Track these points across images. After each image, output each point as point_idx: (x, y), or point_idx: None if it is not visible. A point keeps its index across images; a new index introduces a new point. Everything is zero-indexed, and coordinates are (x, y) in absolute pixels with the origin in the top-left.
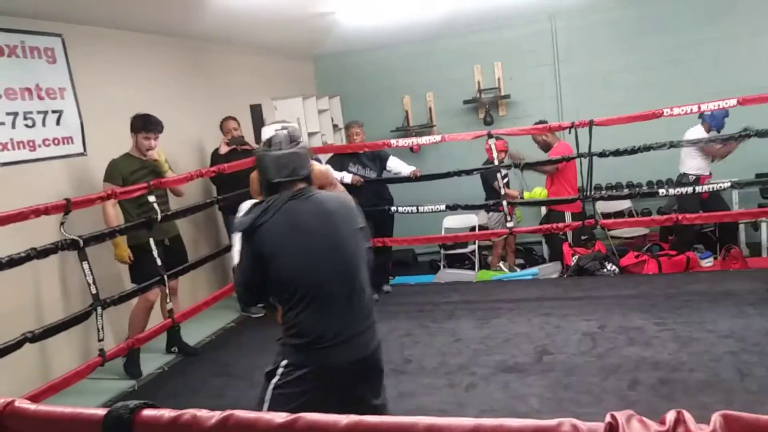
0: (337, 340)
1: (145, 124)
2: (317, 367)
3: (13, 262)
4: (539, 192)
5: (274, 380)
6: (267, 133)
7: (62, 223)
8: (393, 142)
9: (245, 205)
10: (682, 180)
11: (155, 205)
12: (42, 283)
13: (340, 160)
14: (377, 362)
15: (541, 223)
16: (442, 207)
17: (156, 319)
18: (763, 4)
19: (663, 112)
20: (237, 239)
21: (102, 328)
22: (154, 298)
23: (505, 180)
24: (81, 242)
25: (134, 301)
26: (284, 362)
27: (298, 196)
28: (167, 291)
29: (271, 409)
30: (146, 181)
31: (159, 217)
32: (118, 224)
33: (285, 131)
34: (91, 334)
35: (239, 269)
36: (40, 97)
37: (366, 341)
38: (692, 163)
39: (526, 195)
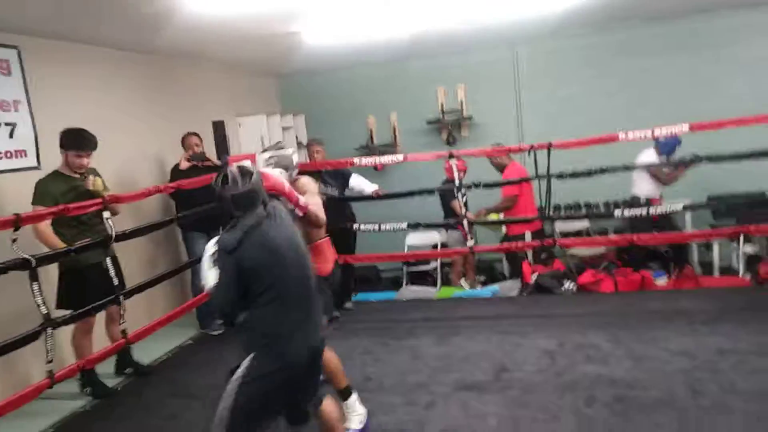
0: (298, 333)
1: (77, 142)
2: (284, 364)
3: None
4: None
5: (240, 372)
6: (260, 161)
7: (14, 240)
8: (356, 160)
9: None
10: (634, 202)
11: (109, 222)
12: None
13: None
14: (319, 357)
15: (501, 242)
16: (404, 225)
17: (100, 342)
18: (721, 35)
19: (619, 137)
20: (212, 261)
21: (51, 350)
22: (94, 321)
23: (464, 200)
24: (33, 262)
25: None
26: (250, 357)
27: (263, 221)
28: (117, 313)
29: (237, 401)
30: (80, 202)
31: (114, 235)
32: (60, 245)
33: (235, 168)
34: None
35: (222, 287)
36: None
37: (318, 334)
38: (643, 185)
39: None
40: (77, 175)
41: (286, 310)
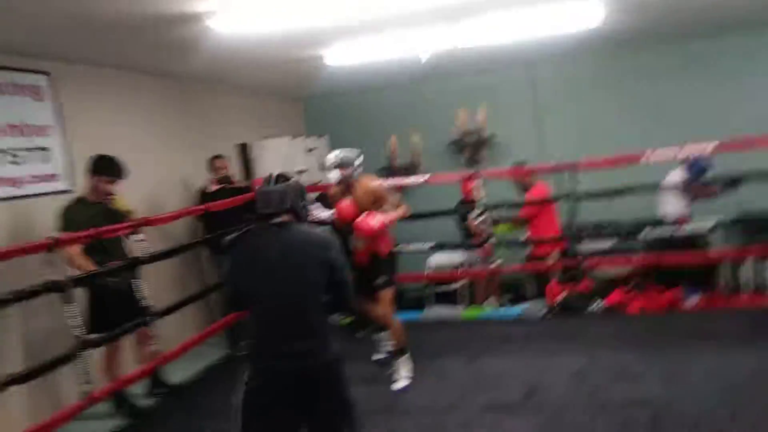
0: (278, 353)
1: (110, 169)
2: (265, 378)
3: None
4: (500, 229)
5: (243, 388)
6: (329, 158)
7: (48, 263)
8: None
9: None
10: (662, 221)
11: (142, 244)
12: (27, 324)
13: (325, 198)
14: (326, 378)
15: (527, 261)
16: (428, 246)
17: (129, 364)
18: (739, 57)
19: (643, 156)
20: None
21: (87, 371)
22: (121, 344)
23: (483, 219)
24: (68, 284)
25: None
26: (246, 372)
27: (271, 228)
28: (146, 334)
29: (242, 414)
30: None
31: (147, 257)
32: (93, 268)
33: (276, 172)
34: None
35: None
36: (27, 135)
37: (308, 357)
38: (671, 205)
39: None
40: (102, 202)
41: (263, 324)
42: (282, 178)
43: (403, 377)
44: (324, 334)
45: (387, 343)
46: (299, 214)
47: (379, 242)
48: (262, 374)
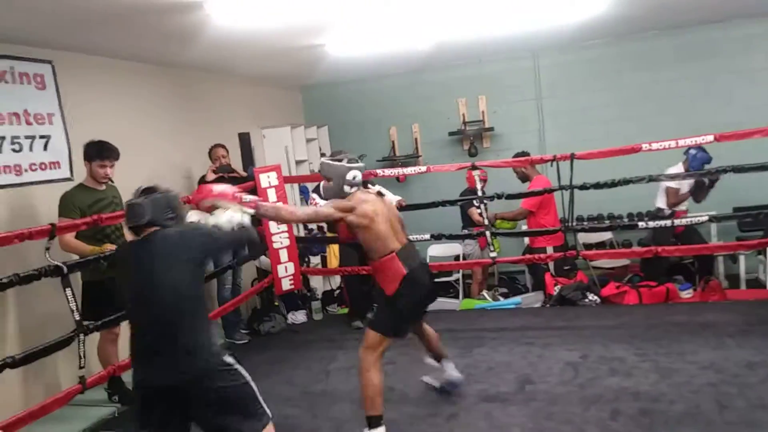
0: (141, 362)
1: (100, 152)
2: (140, 388)
3: None
4: (501, 224)
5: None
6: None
7: (47, 249)
8: (379, 171)
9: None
10: (658, 213)
11: None
12: (24, 307)
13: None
14: (203, 390)
15: (523, 254)
16: (427, 236)
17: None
18: (739, 45)
19: (642, 147)
20: None
21: (84, 355)
22: (119, 331)
23: (485, 210)
24: (65, 269)
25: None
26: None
27: (138, 241)
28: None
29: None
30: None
31: None
32: (92, 251)
33: (143, 186)
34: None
35: None
36: (28, 123)
37: (177, 369)
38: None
39: (498, 224)
40: (102, 188)
41: (137, 338)
42: (148, 191)
43: None
44: (198, 346)
45: None
46: (164, 227)
47: (383, 277)
48: (138, 389)
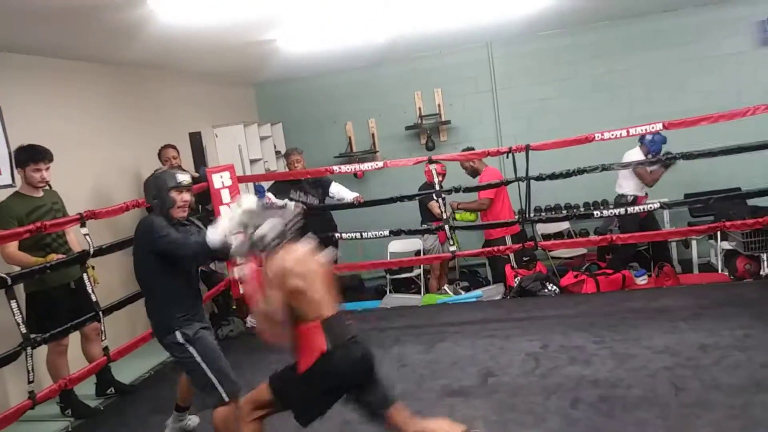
0: None
1: (32, 155)
2: None
3: None
4: (462, 216)
5: None
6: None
7: None
8: (336, 168)
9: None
10: (620, 200)
11: (87, 238)
12: None
13: (282, 188)
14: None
15: (483, 247)
16: (386, 232)
17: (77, 363)
18: (689, 32)
19: (595, 137)
20: None
21: (32, 369)
22: (67, 342)
23: (443, 204)
24: (9, 280)
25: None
26: None
27: None
28: (94, 331)
29: None
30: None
31: (92, 250)
32: (36, 262)
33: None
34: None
35: None
36: None
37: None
38: (629, 184)
39: (458, 216)
40: (40, 194)
41: None
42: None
43: None
44: (153, 320)
45: None
46: (152, 208)
47: (301, 349)
48: None
